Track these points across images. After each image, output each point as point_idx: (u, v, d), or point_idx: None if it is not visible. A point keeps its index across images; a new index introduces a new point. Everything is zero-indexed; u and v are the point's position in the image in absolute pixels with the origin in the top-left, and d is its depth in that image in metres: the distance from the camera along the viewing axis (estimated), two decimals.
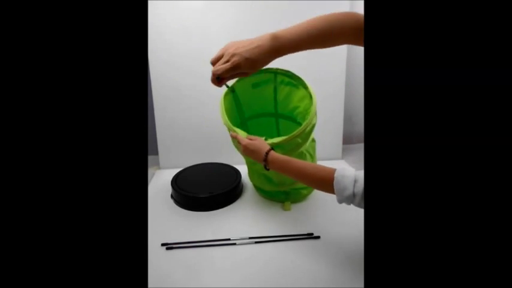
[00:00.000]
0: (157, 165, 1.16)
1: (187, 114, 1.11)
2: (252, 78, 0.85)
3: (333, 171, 0.58)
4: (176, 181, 0.94)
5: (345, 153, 1.23)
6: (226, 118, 0.77)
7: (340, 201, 0.57)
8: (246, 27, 1.04)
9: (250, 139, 0.73)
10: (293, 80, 0.84)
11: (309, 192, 0.90)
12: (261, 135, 0.84)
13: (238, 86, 0.85)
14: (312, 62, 1.10)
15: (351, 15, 0.52)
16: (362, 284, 0.57)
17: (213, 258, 0.67)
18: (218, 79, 0.57)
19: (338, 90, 1.15)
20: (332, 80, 1.14)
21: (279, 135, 1.00)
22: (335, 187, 0.56)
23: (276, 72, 0.85)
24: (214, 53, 1.17)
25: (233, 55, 0.54)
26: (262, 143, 0.71)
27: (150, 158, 1.18)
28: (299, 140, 0.74)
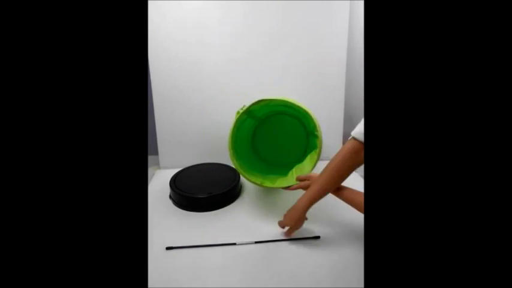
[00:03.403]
0: (157, 165, 1.16)
1: (187, 115, 1.11)
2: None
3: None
4: (175, 182, 0.93)
5: None
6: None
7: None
8: (247, 27, 1.04)
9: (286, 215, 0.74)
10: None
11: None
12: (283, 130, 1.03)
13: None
14: (313, 62, 1.10)
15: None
16: (362, 284, 0.57)
17: (212, 258, 0.67)
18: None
19: (338, 90, 1.15)
20: (332, 80, 1.14)
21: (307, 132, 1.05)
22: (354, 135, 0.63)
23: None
24: (214, 54, 1.17)
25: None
26: (294, 209, 0.71)
27: (150, 158, 1.18)
28: None
